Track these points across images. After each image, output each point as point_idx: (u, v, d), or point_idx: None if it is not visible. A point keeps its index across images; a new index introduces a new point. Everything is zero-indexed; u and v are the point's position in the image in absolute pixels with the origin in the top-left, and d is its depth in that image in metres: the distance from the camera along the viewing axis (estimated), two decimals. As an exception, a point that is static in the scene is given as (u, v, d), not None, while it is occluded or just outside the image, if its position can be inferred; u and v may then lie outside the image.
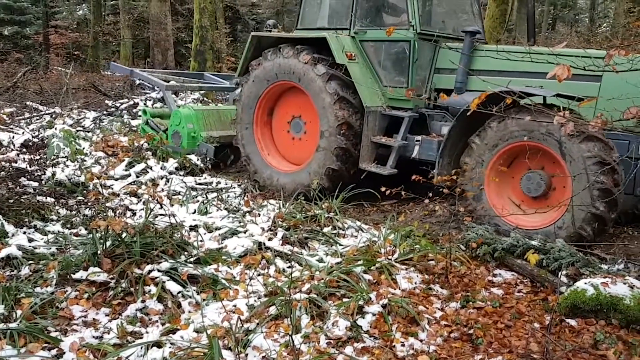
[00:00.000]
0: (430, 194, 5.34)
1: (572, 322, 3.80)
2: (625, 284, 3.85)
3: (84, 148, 8.19)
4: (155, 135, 8.57)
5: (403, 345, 3.52)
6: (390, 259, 4.66)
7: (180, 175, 7.50)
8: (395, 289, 4.20)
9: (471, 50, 6.22)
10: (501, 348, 3.53)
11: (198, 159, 8.08)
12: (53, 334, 3.47)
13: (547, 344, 3.47)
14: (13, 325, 3.37)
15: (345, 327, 3.61)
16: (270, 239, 5.06)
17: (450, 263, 4.60)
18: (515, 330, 3.75)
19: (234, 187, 7.17)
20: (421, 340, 3.59)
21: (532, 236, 4.95)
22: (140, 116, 10.18)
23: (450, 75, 6.40)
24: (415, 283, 4.38)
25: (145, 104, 12.01)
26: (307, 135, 7.11)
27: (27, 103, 12.01)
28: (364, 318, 3.74)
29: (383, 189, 5.89)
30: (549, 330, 3.65)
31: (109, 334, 3.56)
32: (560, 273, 4.34)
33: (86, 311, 3.78)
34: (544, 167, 5.31)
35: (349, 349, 3.44)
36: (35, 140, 8.44)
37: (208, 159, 8.13)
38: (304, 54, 6.67)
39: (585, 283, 3.90)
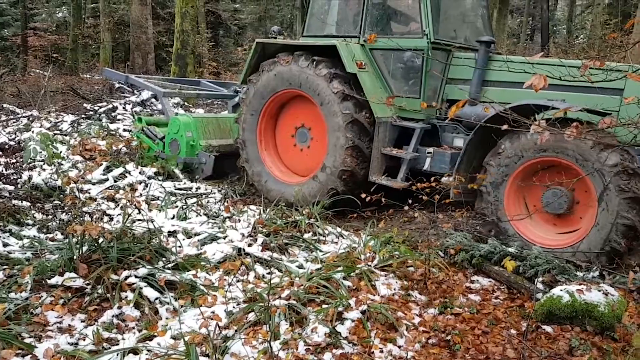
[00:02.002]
0: (410, 201, 5.37)
1: (548, 329, 3.85)
2: (600, 291, 3.90)
3: (61, 152, 8.09)
4: (151, 144, 8.31)
5: (382, 351, 3.53)
6: (370, 265, 4.68)
7: (159, 180, 7.42)
8: (374, 295, 4.21)
9: (486, 61, 6.05)
10: (478, 354, 3.56)
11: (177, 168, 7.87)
12: (27, 340, 3.40)
13: (523, 350, 3.51)
14: (-15, 331, 3.30)
15: (324, 334, 3.61)
16: (250, 245, 5.03)
17: (429, 269, 4.63)
18: (492, 336, 3.79)
19: (214, 193, 7.13)
20: (399, 347, 3.60)
21: (558, 255, 4.87)
22: (131, 123, 9.95)
23: (463, 86, 6.17)
24: (395, 289, 4.40)
25: (124, 108, 11.91)
26: (313, 144, 6.93)
27: (4, 106, 11.84)
28: (343, 324, 3.75)
29: (363, 195, 5.92)
30: (525, 337, 3.70)
31: (84, 340, 3.51)
32: (536, 280, 4.40)
33: (61, 317, 3.73)
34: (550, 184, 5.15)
35: (327, 356, 3.43)
36: (12, 143, 8.32)
37: (202, 171, 7.83)
38: (321, 66, 6.44)
39: (561, 290, 3.96)
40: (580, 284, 4.04)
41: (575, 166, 4.88)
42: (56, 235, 5.14)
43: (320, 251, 5.19)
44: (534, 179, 5.14)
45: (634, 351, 3.05)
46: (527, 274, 4.53)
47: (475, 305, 4.22)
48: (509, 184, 5.29)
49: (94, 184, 6.99)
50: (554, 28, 25.04)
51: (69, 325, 3.68)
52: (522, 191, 5.36)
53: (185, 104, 12.84)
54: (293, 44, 7.02)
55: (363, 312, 3.86)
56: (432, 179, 5.74)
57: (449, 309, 4.11)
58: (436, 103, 6.38)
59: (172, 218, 5.90)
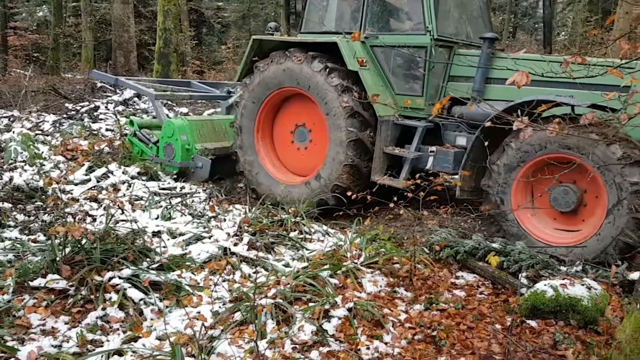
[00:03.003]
0: (395, 198, 5.39)
1: (533, 323, 3.88)
2: (583, 285, 3.95)
3: (42, 152, 7.99)
4: (144, 148, 8.12)
5: (368, 348, 3.54)
6: (356, 263, 4.69)
7: (142, 180, 7.36)
8: (360, 293, 4.22)
9: (489, 58, 5.93)
10: (464, 349, 3.58)
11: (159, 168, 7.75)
12: (10, 343, 3.35)
13: (508, 345, 3.54)
14: (-34, 335, 3.26)
15: (311, 332, 3.61)
16: (235, 244, 5.01)
17: (414, 266, 4.65)
18: (478, 331, 3.81)
19: (199, 192, 7.09)
20: (386, 343, 3.61)
21: (550, 252, 4.87)
22: (123, 126, 9.70)
23: (466, 84, 6.08)
24: (381, 286, 4.41)
25: (106, 107, 11.79)
26: (311, 147, 6.81)
27: (-16, 106, 11.66)
28: (329, 322, 3.75)
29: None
30: (510, 332, 3.73)
31: (68, 342, 3.47)
32: (520, 275, 4.44)
33: (44, 319, 3.68)
34: (576, 180, 5.09)
35: (314, 354, 3.43)
36: (-8, 144, 8.19)
37: (198, 175, 7.62)
38: (334, 75, 6.25)
39: (545, 285, 3.99)
40: (563, 279, 4.08)
41: (596, 174, 4.79)
42: (38, 236, 5.07)
43: (307, 249, 5.19)
44: (546, 174, 5.00)
45: (616, 344, 3.09)
46: (511, 269, 4.57)
47: (460, 300, 4.24)
48: (523, 171, 5.22)
49: (76, 184, 6.91)
50: (536, 25, 25.25)
51: (53, 327, 3.63)
52: (531, 183, 5.29)
53: (169, 103, 12.74)
54: (291, 41, 6.84)
55: (349, 310, 3.87)
56: (417, 175, 5.76)
57: (434, 305, 4.13)
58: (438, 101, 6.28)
59: (157, 218, 5.85)
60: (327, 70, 6.26)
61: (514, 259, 4.62)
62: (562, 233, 5.23)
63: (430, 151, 6.08)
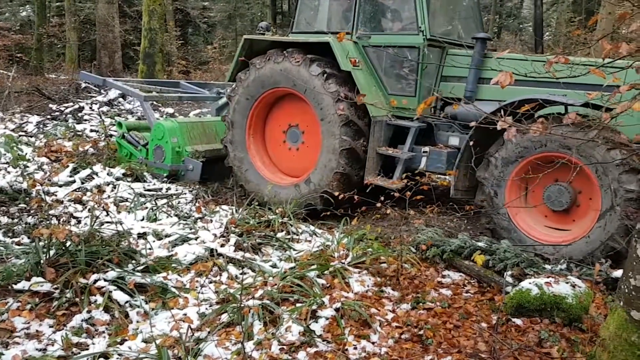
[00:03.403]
0: (382, 198, 5.40)
1: (518, 321, 3.91)
2: (567, 283, 3.99)
3: (26, 154, 7.89)
4: (133, 150, 8.01)
5: (355, 348, 3.54)
6: (344, 263, 4.69)
7: (127, 181, 7.30)
8: (348, 293, 4.23)
9: (482, 58, 5.91)
10: (450, 348, 3.60)
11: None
12: (-8, 348, 3.31)
13: (494, 344, 3.57)
14: (-52, 340, 3.21)
15: (299, 332, 3.61)
16: (222, 246, 4.99)
17: (401, 265, 4.67)
18: (464, 330, 3.84)
19: (185, 193, 7.05)
20: (373, 343, 3.62)
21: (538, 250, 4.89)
22: (111, 126, 9.58)
23: (458, 84, 6.06)
24: (368, 286, 4.42)
25: (91, 108, 11.69)
26: (303, 148, 6.77)
27: (-34, 107, 11.50)
28: (317, 322, 3.75)
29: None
30: (495, 330, 3.76)
31: (53, 345, 3.44)
32: (505, 273, 4.48)
33: (29, 323, 3.64)
34: (558, 178, 5.10)
35: (302, 354, 3.43)
36: (-26, 145, 8.06)
37: (187, 177, 7.52)
38: (331, 81, 6.19)
39: (530, 283, 4.03)
40: (548, 277, 4.12)
41: (593, 176, 4.80)
42: (22, 239, 5.01)
43: (294, 250, 5.19)
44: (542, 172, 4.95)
45: (600, 341, 3.12)
46: (496, 268, 4.61)
47: (446, 299, 4.27)
48: (520, 167, 5.20)
49: (60, 186, 6.84)
50: (520, 26, 25.46)
51: (37, 330, 3.60)
52: (524, 181, 5.28)
53: (154, 103, 12.66)
54: (283, 41, 6.77)
55: (337, 310, 3.87)
56: (404, 175, 5.79)
57: (421, 304, 4.15)
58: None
59: (142, 220, 5.81)
60: (325, 75, 6.20)
61: (499, 257, 4.66)
62: (552, 231, 5.25)
63: (424, 151, 6.07)
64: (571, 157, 4.53)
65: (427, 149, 6.07)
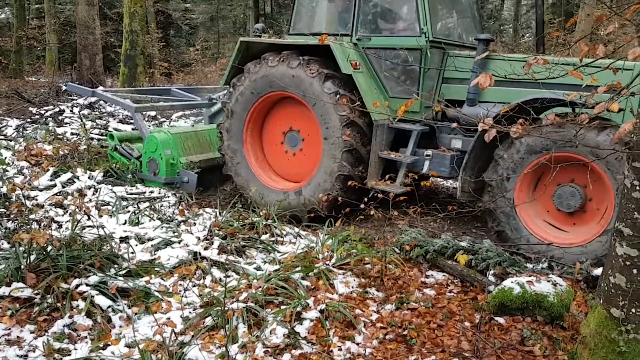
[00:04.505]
0: (366, 199, 5.42)
1: (501, 320, 3.95)
2: (549, 281, 4.04)
3: (5, 158, 7.79)
4: (126, 163, 7.80)
5: (340, 349, 3.55)
6: (328, 264, 4.70)
7: (109, 183, 7.23)
8: (332, 294, 4.24)
9: (485, 59, 5.73)
10: (434, 348, 3.62)
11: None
12: (-28, 356, 3.27)
13: (477, 342, 3.60)
14: None
15: (283, 335, 3.60)
16: (206, 249, 4.97)
17: (385, 266, 4.68)
18: (447, 329, 3.86)
19: (168, 196, 7.00)
20: (358, 344, 3.63)
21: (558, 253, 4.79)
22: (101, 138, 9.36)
23: (460, 86, 5.97)
24: (352, 287, 4.43)
25: (71, 111, 11.56)
26: (302, 153, 6.62)
27: (-57, 111, 11.31)
28: (302, 324, 3.75)
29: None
30: (478, 329, 3.79)
31: (34, 352, 3.40)
32: (488, 273, 4.52)
33: (9, 329, 3.60)
34: (574, 179, 5.01)
35: (286, 357, 3.43)
36: (-48, 150, 7.94)
37: (183, 189, 7.32)
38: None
39: (512, 282, 4.07)
40: (530, 276, 4.17)
41: (612, 191, 4.67)
42: (2, 244, 4.93)
43: (278, 252, 5.18)
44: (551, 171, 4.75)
45: (581, 339, 3.17)
46: (479, 267, 4.64)
47: (430, 299, 4.29)
48: (529, 166, 5.10)
49: (41, 190, 6.74)
50: (501, 28, 25.73)
51: (18, 337, 3.56)
52: (535, 178, 5.24)
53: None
54: (281, 44, 6.59)
55: (321, 311, 3.87)
56: (388, 176, 5.81)
57: (405, 304, 4.17)
58: (432, 103, 6.04)
59: (124, 223, 5.76)
60: (338, 96, 5.98)
61: (481, 257, 4.70)
62: (549, 228, 5.19)
63: (426, 155, 5.96)
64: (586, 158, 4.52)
65: (429, 152, 5.96)
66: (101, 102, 12.23)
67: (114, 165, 7.73)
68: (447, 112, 5.89)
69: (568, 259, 4.82)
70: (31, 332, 3.61)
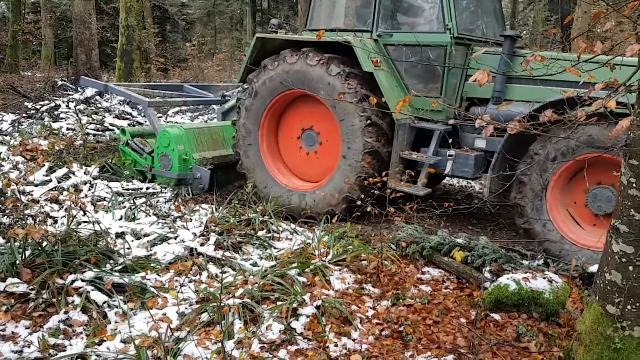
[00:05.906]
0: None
1: (496, 317, 3.96)
2: (544, 278, 4.04)
3: (1, 153, 7.76)
4: (138, 158, 7.72)
5: (336, 345, 3.55)
6: (324, 261, 4.70)
7: (105, 178, 7.21)
8: (329, 290, 4.24)
9: (511, 57, 5.58)
10: (430, 344, 3.63)
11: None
12: (-34, 351, 3.25)
13: (473, 339, 3.61)
14: None
15: (279, 331, 3.60)
16: (202, 244, 4.97)
17: (381, 262, 4.69)
18: (443, 325, 3.87)
19: (164, 192, 6.99)
20: (354, 340, 3.63)
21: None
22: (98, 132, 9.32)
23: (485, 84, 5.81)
24: (348, 283, 4.43)
25: (67, 106, 11.52)
26: (323, 148, 6.41)
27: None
28: (298, 320, 3.75)
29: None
30: (474, 325, 3.80)
31: (29, 347, 3.39)
32: (484, 269, 4.52)
33: (4, 324, 3.59)
34: (614, 183, 4.81)
35: (282, 352, 3.43)
36: (-53, 144, 7.90)
37: (201, 187, 7.23)
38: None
39: (508, 278, 4.08)
40: (526, 272, 4.17)
41: None
42: (-3, 239, 4.92)
43: (275, 248, 5.18)
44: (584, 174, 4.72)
45: (577, 335, 3.18)
46: (475, 264, 4.65)
47: (426, 295, 4.30)
48: (559, 173, 5.03)
49: (36, 185, 6.73)
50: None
51: (13, 332, 3.54)
52: (570, 175, 5.11)
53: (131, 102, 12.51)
54: (299, 40, 6.36)
55: (318, 307, 3.87)
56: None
57: (401, 300, 4.17)
58: (455, 102, 5.95)
59: (120, 219, 5.75)
60: (368, 123, 5.84)
61: (477, 253, 4.70)
62: (571, 222, 5.09)
63: (449, 155, 5.73)
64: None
65: (452, 152, 5.72)
66: (97, 97, 12.19)
67: (110, 160, 7.71)
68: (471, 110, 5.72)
69: (583, 259, 4.74)
70: (26, 328, 3.59)
